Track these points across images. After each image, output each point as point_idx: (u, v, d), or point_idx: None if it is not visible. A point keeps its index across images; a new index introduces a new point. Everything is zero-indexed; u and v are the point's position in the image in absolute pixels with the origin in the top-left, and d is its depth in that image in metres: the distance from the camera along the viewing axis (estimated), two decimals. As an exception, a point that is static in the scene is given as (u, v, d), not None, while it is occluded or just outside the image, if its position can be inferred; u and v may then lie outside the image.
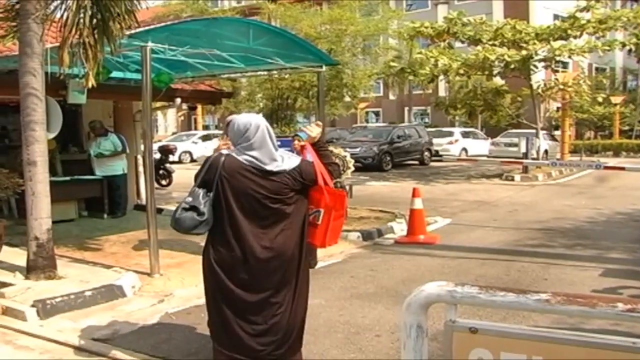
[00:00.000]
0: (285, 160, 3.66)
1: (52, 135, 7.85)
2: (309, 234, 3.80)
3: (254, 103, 28.67)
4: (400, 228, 9.90)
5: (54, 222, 6.54)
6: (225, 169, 3.55)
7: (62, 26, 6.27)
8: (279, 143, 3.76)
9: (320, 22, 25.00)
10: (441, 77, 19.45)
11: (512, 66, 17.38)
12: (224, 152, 3.66)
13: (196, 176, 3.66)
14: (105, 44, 6.33)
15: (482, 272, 7.19)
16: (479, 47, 17.81)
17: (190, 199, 3.58)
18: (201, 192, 3.58)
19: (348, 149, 13.68)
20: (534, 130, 19.78)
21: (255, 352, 3.58)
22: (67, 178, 10.43)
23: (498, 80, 21.29)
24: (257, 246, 3.54)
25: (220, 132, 31.47)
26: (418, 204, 9.10)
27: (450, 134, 28.70)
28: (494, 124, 24.57)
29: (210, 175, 3.57)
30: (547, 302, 2.06)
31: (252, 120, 3.64)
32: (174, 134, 40.45)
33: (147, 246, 7.07)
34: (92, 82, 6.37)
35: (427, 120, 43.68)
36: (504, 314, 5.16)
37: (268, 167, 3.56)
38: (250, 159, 3.56)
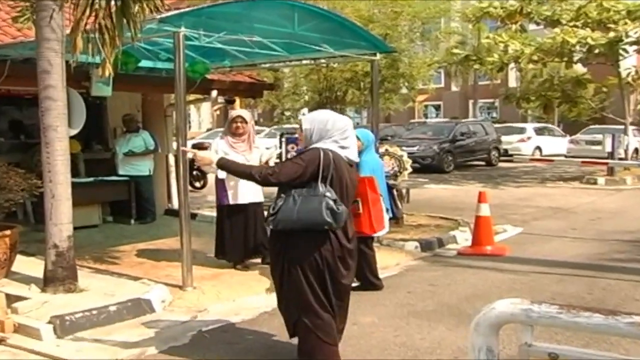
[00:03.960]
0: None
1: (74, 132, 7.98)
2: (355, 225, 4.37)
3: (299, 96, 28.81)
4: (463, 237, 9.83)
5: (75, 229, 6.62)
6: (335, 164, 4.24)
7: (75, 6, 6.29)
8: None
9: (373, 4, 24.92)
10: (512, 65, 19.20)
11: (597, 51, 16.97)
12: (324, 147, 4.28)
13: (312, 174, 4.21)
14: (125, 28, 6.34)
15: (560, 289, 7.05)
16: (557, 30, 17.46)
17: (329, 193, 4.18)
18: (328, 187, 4.21)
19: (404, 148, 13.61)
20: (621, 126, 19.32)
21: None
22: (91, 179, 10.57)
23: (579, 68, 20.85)
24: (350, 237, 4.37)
25: (264, 128, 31.66)
26: (484, 210, 9.00)
27: (522, 130, 28.38)
28: (574, 118, 24.15)
29: (326, 170, 4.19)
30: (643, 327, 1.97)
31: (345, 119, 4.46)
32: (208, 130, 40.93)
33: (179, 256, 7.11)
34: (109, 70, 6.41)
35: (494, 114, 43.20)
36: (587, 339, 5.02)
37: (355, 159, 4.45)
38: (344, 151, 4.34)
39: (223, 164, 4.51)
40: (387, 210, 6.88)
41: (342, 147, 4.34)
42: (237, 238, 7.74)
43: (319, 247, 4.22)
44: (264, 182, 4.35)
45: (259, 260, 7.95)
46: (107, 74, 6.45)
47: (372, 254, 7.05)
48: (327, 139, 4.30)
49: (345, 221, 4.27)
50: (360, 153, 6.75)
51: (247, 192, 7.61)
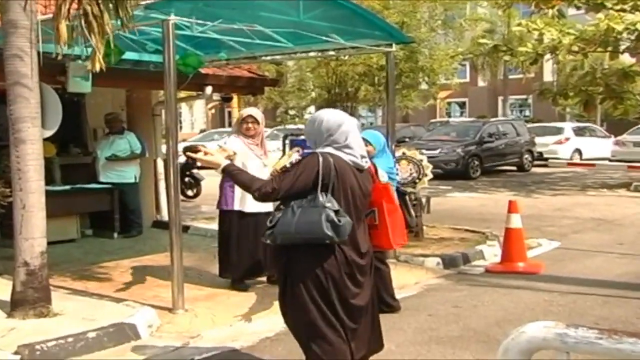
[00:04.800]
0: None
1: (49, 133, 7.96)
2: (372, 237, 4.47)
3: (305, 93, 28.86)
4: (492, 253, 9.82)
5: (49, 244, 6.60)
6: (337, 170, 4.24)
7: None
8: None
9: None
10: (547, 56, 19.11)
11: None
12: (324, 151, 4.30)
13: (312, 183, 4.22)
14: (113, 15, 6.32)
15: (605, 313, 7.00)
16: (601, 15, 17.38)
17: (329, 204, 4.18)
18: (329, 196, 4.21)
19: (424, 151, 13.60)
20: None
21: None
22: (67, 187, 10.57)
23: (626, 59, 20.79)
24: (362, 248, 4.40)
25: (265, 129, 31.62)
26: (516, 221, 8.99)
27: (559, 130, 28.37)
28: (619, 117, 24.00)
29: (326, 178, 4.20)
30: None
31: (342, 117, 4.45)
32: (202, 131, 41.07)
33: (168, 274, 7.11)
34: (100, 64, 6.41)
35: (527, 113, 43.26)
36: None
37: (363, 164, 4.41)
38: (347, 156, 4.32)
39: (230, 171, 4.56)
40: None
41: (345, 151, 4.33)
42: (243, 252, 7.71)
43: (322, 262, 4.22)
44: (262, 199, 4.41)
45: (263, 278, 7.95)
46: (98, 67, 6.43)
47: (388, 271, 7.05)
48: (327, 142, 4.32)
49: (355, 233, 4.29)
50: (372, 158, 6.77)
51: None
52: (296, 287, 4.26)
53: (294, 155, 7.65)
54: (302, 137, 9.41)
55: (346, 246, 4.26)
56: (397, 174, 9.13)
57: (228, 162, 4.72)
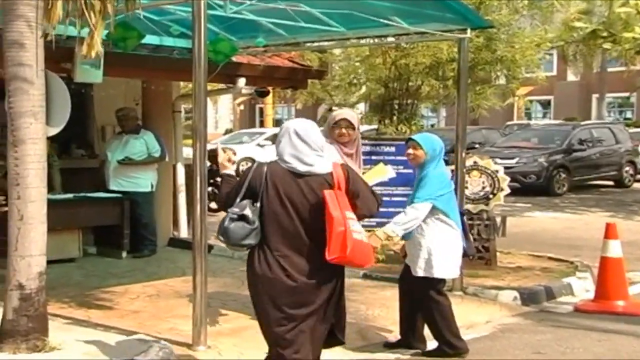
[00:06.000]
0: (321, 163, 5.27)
1: (54, 131, 7.95)
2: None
3: (355, 87, 28.69)
4: (583, 287, 9.76)
5: (47, 263, 6.59)
6: (268, 178, 5.19)
7: None
8: (392, 149, 5.60)
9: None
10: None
11: None
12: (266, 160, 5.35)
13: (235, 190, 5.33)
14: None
15: None
16: None
17: (236, 209, 5.18)
18: (246, 202, 5.21)
19: (499, 160, 13.48)
20: None
21: None
22: (69, 196, 10.57)
23: None
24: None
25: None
26: (614, 249, 8.87)
27: (670, 137, 27.86)
28: None
29: (255, 185, 5.22)
30: None
31: (289, 123, 5.42)
32: (228, 131, 40.96)
33: (187, 303, 7.13)
34: (96, 48, 6.44)
35: (629, 115, 42.67)
36: None
37: (300, 169, 5.19)
38: (287, 164, 5.20)
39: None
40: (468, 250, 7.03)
41: (284, 158, 5.23)
42: None
43: (249, 263, 5.34)
44: (222, 209, 5.60)
45: None
46: (93, 53, 6.46)
47: (448, 304, 6.95)
48: (279, 151, 5.29)
49: (291, 241, 5.20)
50: (422, 166, 6.75)
51: None
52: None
53: (390, 171, 7.72)
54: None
55: (272, 250, 5.20)
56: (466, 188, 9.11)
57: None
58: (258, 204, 5.17)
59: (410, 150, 6.89)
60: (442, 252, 6.76)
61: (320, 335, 5.36)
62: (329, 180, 5.18)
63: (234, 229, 5.13)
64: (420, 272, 6.77)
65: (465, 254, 7.21)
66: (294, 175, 5.16)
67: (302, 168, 5.15)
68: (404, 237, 6.89)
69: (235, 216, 5.14)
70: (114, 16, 6.60)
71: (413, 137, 7.14)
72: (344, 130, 7.43)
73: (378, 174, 7.63)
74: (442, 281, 6.95)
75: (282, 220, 5.13)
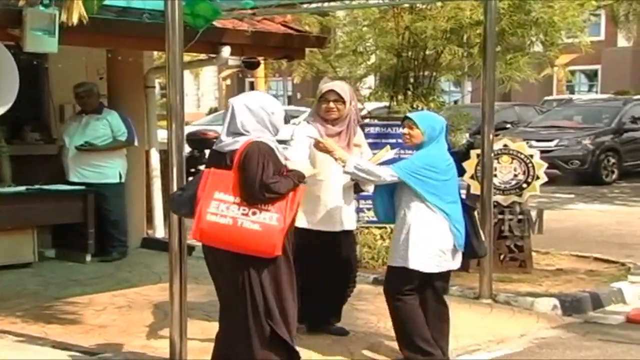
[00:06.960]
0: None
1: (1, 111, 8.03)
2: None
3: (362, 57, 28.62)
4: (636, 294, 9.83)
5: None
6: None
7: None
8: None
9: None
10: None
11: None
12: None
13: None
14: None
15: None
16: None
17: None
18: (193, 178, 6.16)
19: (535, 143, 13.42)
20: None
21: None
22: (21, 188, 10.60)
23: None
24: None
25: (303, 108, 31.72)
26: (674, 249, 8.86)
27: None
28: None
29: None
30: None
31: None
32: (212, 111, 41.16)
33: (165, 315, 7.27)
34: (80, 13, 6.34)
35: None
36: None
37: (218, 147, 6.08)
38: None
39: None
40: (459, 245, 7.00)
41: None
42: (317, 288, 7.55)
43: None
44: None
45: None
46: (74, 19, 6.35)
47: (415, 303, 6.99)
48: None
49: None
50: (420, 148, 7.06)
51: (336, 212, 7.49)
52: None
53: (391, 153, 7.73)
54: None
55: None
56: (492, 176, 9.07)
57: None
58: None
59: (406, 130, 7.06)
60: (419, 242, 6.80)
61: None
62: (230, 158, 5.93)
63: (174, 198, 6.34)
64: (395, 262, 6.94)
65: (475, 255, 7.31)
66: (218, 153, 6.11)
67: (218, 145, 6.11)
68: (386, 221, 7.25)
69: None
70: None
71: (409, 115, 7.30)
72: (332, 105, 7.46)
73: (379, 158, 7.57)
74: (418, 276, 6.87)
75: None
